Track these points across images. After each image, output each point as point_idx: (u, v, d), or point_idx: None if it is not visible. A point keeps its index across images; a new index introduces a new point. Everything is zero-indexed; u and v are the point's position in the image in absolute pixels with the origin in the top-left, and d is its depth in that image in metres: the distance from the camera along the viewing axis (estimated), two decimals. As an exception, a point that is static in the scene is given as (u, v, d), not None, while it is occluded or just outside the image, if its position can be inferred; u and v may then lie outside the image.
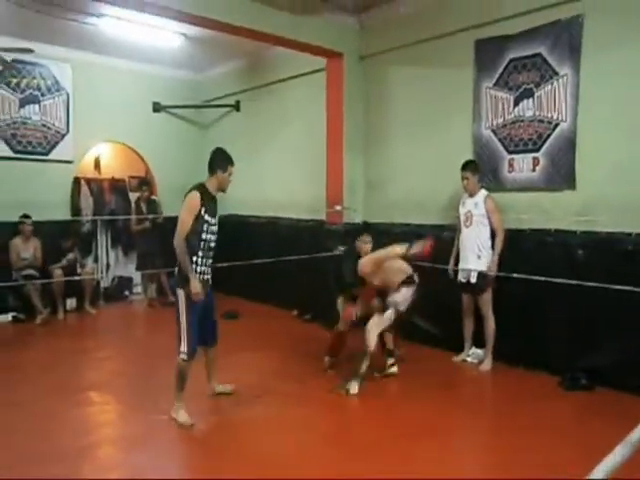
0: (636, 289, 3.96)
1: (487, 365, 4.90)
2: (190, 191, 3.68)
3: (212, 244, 3.79)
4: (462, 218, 5.02)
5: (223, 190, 3.87)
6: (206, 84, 9.11)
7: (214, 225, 3.77)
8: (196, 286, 3.61)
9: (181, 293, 3.69)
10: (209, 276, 3.85)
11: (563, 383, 4.44)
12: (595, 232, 4.48)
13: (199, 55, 7.93)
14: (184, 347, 3.68)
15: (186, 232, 3.61)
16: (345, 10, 6.16)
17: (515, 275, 4.71)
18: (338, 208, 6.32)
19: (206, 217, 3.67)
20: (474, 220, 4.90)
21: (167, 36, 6.91)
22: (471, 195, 4.98)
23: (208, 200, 3.71)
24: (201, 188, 3.71)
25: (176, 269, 3.75)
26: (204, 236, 3.69)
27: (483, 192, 4.95)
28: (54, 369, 5.12)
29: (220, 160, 3.81)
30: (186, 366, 3.71)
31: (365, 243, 4.72)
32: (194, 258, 3.67)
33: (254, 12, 5.45)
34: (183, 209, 3.65)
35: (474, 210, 4.91)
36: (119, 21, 6.34)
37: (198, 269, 3.70)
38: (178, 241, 3.62)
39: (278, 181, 7.74)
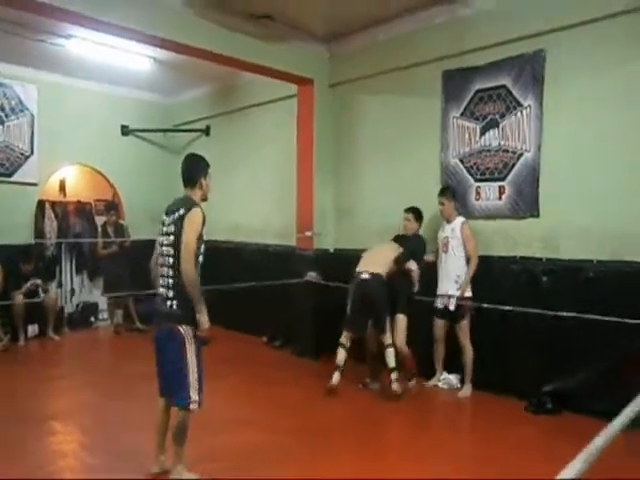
0: (597, 317, 4.09)
1: (467, 392, 4.93)
2: (190, 207, 3.12)
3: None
4: (440, 244, 5.08)
5: (206, 199, 3.36)
6: (176, 108, 9.08)
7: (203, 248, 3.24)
8: (207, 321, 3.11)
9: (187, 330, 3.09)
10: None
11: (529, 407, 4.52)
12: (559, 259, 4.61)
13: (169, 79, 7.92)
14: (194, 395, 3.09)
15: (194, 251, 3.07)
16: (315, 38, 6.26)
17: (485, 305, 4.81)
18: (308, 234, 6.33)
19: (204, 237, 3.19)
20: (451, 246, 4.97)
21: (137, 59, 6.89)
22: (448, 221, 5.05)
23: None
24: (194, 202, 3.20)
25: (174, 302, 3.11)
26: (200, 259, 3.19)
27: (460, 219, 5.02)
28: (14, 397, 4.93)
29: (200, 166, 3.32)
30: (190, 418, 3.16)
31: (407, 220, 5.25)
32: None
33: (224, 38, 5.48)
34: (189, 230, 3.06)
35: (451, 237, 4.98)
36: (87, 43, 6.28)
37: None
38: (191, 267, 3.03)
39: (248, 206, 7.71)
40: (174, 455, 3.19)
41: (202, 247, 3.17)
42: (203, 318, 3.09)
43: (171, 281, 3.13)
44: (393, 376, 4.80)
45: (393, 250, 5.03)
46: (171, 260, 3.12)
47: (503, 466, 3.54)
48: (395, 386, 4.78)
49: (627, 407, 1.63)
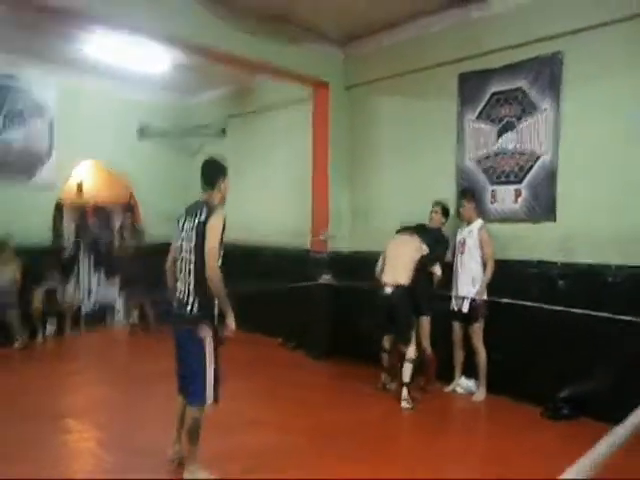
0: (615, 316, 4.06)
1: (480, 396, 4.91)
2: (212, 212, 3.14)
3: None
4: (457, 246, 5.07)
5: (224, 201, 3.39)
6: (193, 110, 9.15)
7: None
8: (233, 323, 3.21)
9: (207, 331, 3.16)
10: None
11: (545, 413, 4.48)
12: (575, 263, 4.57)
13: (186, 81, 8.00)
14: (210, 393, 3.16)
15: (218, 259, 3.14)
16: (331, 41, 6.29)
17: (504, 300, 4.77)
18: (323, 236, 6.34)
19: (224, 241, 3.22)
20: (467, 248, 4.95)
21: (155, 61, 6.95)
22: (468, 223, 5.03)
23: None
24: (215, 206, 3.23)
25: (195, 303, 3.16)
26: (220, 261, 3.18)
27: (479, 221, 5.01)
28: (30, 394, 5.00)
29: (221, 170, 3.37)
30: (204, 417, 3.22)
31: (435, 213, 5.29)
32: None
33: (241, 40, 5.52)
34: (212, 236, 3.10)
35: (468, 238, 4.97)
36: (106, 44, 6.35)
37: (216, 302, 3.21)
38: (216, 273, 3.09)
39: (264, 208, 7.74)
40: (188, 454, 3.24)
41: (222, 250, 3.21)
42: (230, 320, 3.20)
43: (192, 284, 3.17)
44: (404, 393, 4.74)
45: (417, 249, 4.94)
46: (192, 266, 3.16)
47: (512, 469, 3.52)
48: (404, 403, 4.72)
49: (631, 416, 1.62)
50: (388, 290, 4.82)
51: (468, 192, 5.15)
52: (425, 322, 5.13)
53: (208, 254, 3.09)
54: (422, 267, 4.95)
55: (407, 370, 4.78)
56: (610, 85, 4.45)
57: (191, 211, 3.26)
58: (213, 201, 3.28)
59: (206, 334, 3.16)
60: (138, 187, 8.69)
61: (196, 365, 3.16)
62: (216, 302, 3.21)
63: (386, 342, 5.11)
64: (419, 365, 4.99)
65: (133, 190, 8.71)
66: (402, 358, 4.86)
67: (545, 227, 4.80)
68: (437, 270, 5.04)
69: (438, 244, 5.18)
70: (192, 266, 3.16)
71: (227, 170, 3.40)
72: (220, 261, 3.19)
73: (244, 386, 5.18)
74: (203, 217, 3.14)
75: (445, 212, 5.30)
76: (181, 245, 3.24)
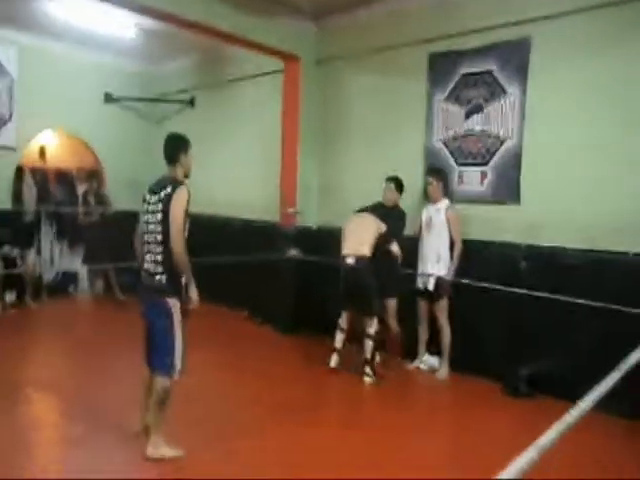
0: (574, 300, 4.25)
1: (443, 373, 5.03)
2: (176, 186, 3.22)
3: None
4: (423, 224, 5.12)
5: (188, 176, 3.46)
6: (161, 78, 8.94)
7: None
8: (196, 295, 3.31)
9: (174, 303, 3.24)
10: None
11: (505, 390, 4.66)
12: (539, 246, 4.72)
13: (154, 47, 7.78)
14: (178, 363, 3.23)
15: (184, 231, 3.23)
16: (303, 14, 6.19)
17: (464, 281, 4.92)
18: (291, 210, 6.36)
19: (189, 215, 3.30)
20: (434, 227, 5.02)
21: (121, 26, 6.76)
22: (434, 202, 5.10)
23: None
24: (180, 181, 3.31)
25: (163, 276, 3.24)
26: (186, 234, 3.29)
27: (446, 201, 5.07)
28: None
29: (179, 145, 3.42)
30: (172, 386, 3.28)
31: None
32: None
33: (211, 8, 5.39)
34: (177, 206, 3.18)
35: (435, 217, 5.02)
36: (72, 6, 6.14)
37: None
38: (180, 243, 3.17)
39: (232, 181, 7.69)
40: (154, 424, 3.30)
41: (187, 223, 3.29)
42: (193, 291, 3.30)
43: (160, 257, 3.25)
44: (366, 369, 4.83)
45: (375, 226, 4.96)
46: (159, 237, 3.24)
47: (469, 441, 3.71)
48: (367, 378, 4.80)
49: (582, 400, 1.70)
50: (350, 260, 4.82)
51: (436, 170, 5.20)
52: (391, 303, 5.21)
53: (173, 225, 3.18)
54: (380, 246, 4.95)
55: (368, 346, 4.84)
56: (575, 72, 4.54)
57: (156, 186, 3.33)
58: (177, 176, 3.36)
59: (174, 305, 3.24)
60: (104, 154, 8.50)
61: (164, 336, 3.24)
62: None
63: (343, 320, 5.06)
64: (383, 342, 5.11)
65: (99, 156, 8.51)
66: (363, 334, 4.90)
67: (510, 209, 4.92)
68: (394, 247, 5.03)
69: (395, 221, 5.17)
70: (159, 237, 3.24)
71: (188, 144, 3.45)
72: (186, 233, 3.27)
73: (208, 359, 5.23)
74: (169, 190, 3.23)
75: (399, 187, 5.28)
76: (147, 219, 3.31)
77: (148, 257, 3.31)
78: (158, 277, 3.25)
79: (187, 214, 3.26)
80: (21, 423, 3.80)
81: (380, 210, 5.17)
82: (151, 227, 3.27)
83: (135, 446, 3.38)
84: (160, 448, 3.27)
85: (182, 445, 3.34)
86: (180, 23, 5.49)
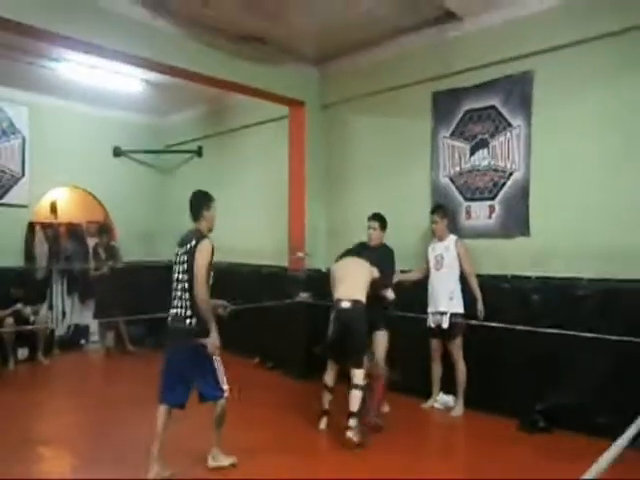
0: (586, 334, 4.15)
1: (459, 411, 4.90)
2: (200, 239, 3.61)
3: None
4: (432, 262, 5.05)
5: (212, 229, 3.84)
6: (168, 129, 9.12)
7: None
8: (217, 337, 3.62)
9: (208, 342, 3.59)
10: None
11: (522, 426, 4.50)
12: (549, 277, 4.62)
13: (161, 100, 7.96)
14: (225, 384, 3.67)
15: (206, 281, 3.59)
16: (306, 60, 6.33)
17: (473, 322, 4.83)
18: (300, 254, 6.31)
19: (213, 264, 3.68)
20: (445, 263, 4.95)
21: (128, 81, 6.93)
22: (440, 239, 5.04)
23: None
24: (204, 235, 3.70)
25: (193, 319, 3.59)
26: (211, 281, 3.69)
27: (452, 237, 5.03)
28: (1, 422, 4.87)
29: (201, 201, 3.82)
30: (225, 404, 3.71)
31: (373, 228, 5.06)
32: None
33: (215, 61, 5.52)
34: (200, 258, 3.55)
35: (445, 254, 4.97)
36: (79, 65, 6.33)
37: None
38: (202, 290, 3.53)
39: (240, 227, 7.68)
40: (214, 438, 3.76)
41: (212, 273, 3.69)
42: (214, 334, 3.60)
43: (189, 303, 3.61)
44: (352, 422, 4.25)
45: (368, 273, 4.62)
46: (187, 285, 3.61)
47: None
48: (351, 433, 4.21)
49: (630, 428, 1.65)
50: (346, 304, 4.43)
51: (440, 208, 5.15)
52: (381, 337, 4.85)
53: (196, 274, 3.54)
54: (373, 291, 4.61)
55: (355, 398, 4.31)
56: (579, 103, 4.55)
57: (184, 240, 3.73)
58: (201, 229, 3.75)
59: (204, 341, 3.58)
60: (113, 207, 8.59)
61: (209, 370, 3.62)
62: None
63: (329, 377, 4.61)
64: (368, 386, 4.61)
65: (108, 210, 8.60)
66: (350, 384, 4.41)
67: (519, 242, 4.85)
68: (390, 294, 4.78)
69: (385, 263, 4.86)
70: (187, 285, 3.61)
71: (210, 200, 3.84)
72: (211, 281, 3.67)
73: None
74: (193, 243, 3.62)
75: (383, 225, 5.05)
76: (176, 269, 3.70)
77: (178, 302, 3.66)
78: (189, 320, 3.61)
79: (211, 264, 3.63)
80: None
81: (366, 252, 4.83)
82: (181, 276, 3.65)
83: None
84: (219, 459, 3.76)
85: None
86: (186, 75, 5.62)
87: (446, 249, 4.99)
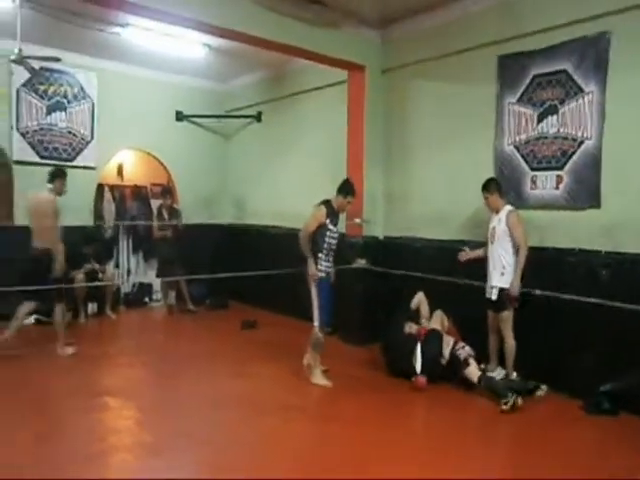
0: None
1: None
2: (320, 205, 4.87)
3: (333, 247, 4.92)
4: (489, 235, 4.96)
5: (340, 211, 5.00)
6: (229, 94, 9.19)
7: (335, 232, 4.90)
8: (312, 268, 4.82)
9: (314, 278, 4.84)
10: (332, 270, 5.01)
11: (585, 407, 4.37)
12: (620, 252, 4.41)
13: (222, 66, 8.01)
14: (315, 320, 4.87)
15: (310, 230, 4.79)
16: (367, 24, 6.18)
17: (537, 292, 4.68)
18: (357, 221, 6.31)
19: (329, 226, 4.84)
20: (497, 236, 4.84)
21: (191, 47, 7.01)
22: (496, 212, 4.93)
23: (332, 213, 4.87)
24: (327, 204, 4.87)
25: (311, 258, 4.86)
26: (327, 239, 4.84)
27: (507, 207, 4.87)
28: (71, 372, 5.20)
29: (344, 188, 4.96)
30: (320, 335, 4.88)
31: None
32: (319, 254, 4.84)
33: (276, 24, 5.48)
34: (310, 217, 4.86)
35: (498, 226, 4.85)
36: (143, 31, 6.45)
37: (323, 264, 4.86)
38: (303, 233, 4.84)
39: (298, 192, 7.72)
40: (311, 360, 4.91)
41: (328, 232, 4.85)
42: (311, 265, 4.88)
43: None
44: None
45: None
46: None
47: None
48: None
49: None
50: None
51: (488, 184, 4.95)
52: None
53: (303, 228, 4.88)
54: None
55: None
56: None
57: (329, 206, 4.93)
58: (333, 202, 4.97)
59: (312, 280, 4.86)
60: (176, 170, 8.82)
61: (311, 300, 4.90)
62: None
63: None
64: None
65: (171, 173, 8.84)
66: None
67: (588, 214, 4.64)
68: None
69: None
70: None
71: (348, 193, 4.95)
72: (327, 238, 4.86)
73: (270, 370, 5.30)
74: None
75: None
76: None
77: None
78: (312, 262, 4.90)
79: (324, 225, 4.84)
80: (98, 428, 3.94)
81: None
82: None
83: (207, 453, 3.43)
84: (317, 377, 4.86)
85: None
86: (247, 39, 5.61)
87: (499, 221, 4.85)
